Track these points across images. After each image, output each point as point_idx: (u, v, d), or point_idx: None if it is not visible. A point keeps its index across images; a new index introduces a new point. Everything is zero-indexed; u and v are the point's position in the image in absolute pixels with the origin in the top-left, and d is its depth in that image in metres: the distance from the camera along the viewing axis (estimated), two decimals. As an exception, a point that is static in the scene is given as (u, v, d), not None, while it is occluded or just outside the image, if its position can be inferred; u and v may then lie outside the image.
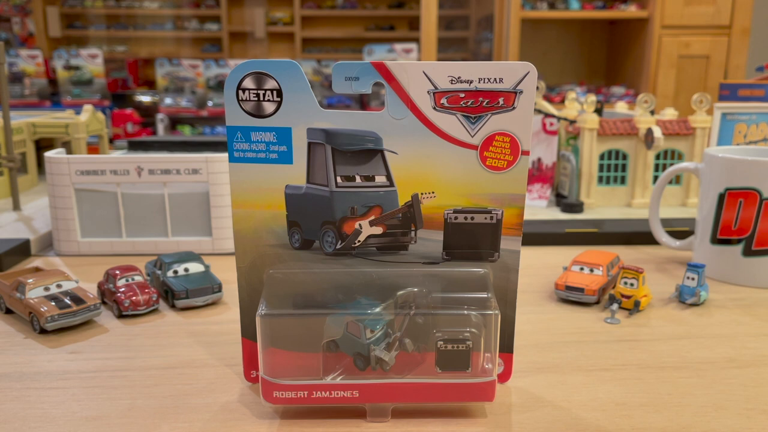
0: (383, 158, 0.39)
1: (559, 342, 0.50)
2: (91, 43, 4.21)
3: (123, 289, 0.56)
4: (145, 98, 2.92)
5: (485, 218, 0.40)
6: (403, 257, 0.41)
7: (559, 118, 0.96)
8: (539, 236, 0.77)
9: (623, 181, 0.95)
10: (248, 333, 0.42)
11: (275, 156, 0.39)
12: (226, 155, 0.69)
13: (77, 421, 0.39)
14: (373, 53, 2.71)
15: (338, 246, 0.41)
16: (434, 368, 0.39)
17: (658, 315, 0.56)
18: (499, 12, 2.93)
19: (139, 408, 0.40)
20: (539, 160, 0.98)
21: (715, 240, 0.64)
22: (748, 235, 0.62)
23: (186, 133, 2.68)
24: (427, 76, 0.38)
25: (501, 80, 0.38)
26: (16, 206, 0.89)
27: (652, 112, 0.96)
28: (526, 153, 0.39)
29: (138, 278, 0.57)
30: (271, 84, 0.38)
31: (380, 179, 0.40)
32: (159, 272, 0.59)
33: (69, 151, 1.03)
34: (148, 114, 2.77)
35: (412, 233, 0.41)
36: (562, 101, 1.18)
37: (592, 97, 0.97)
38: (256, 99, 0.38)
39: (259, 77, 0.38)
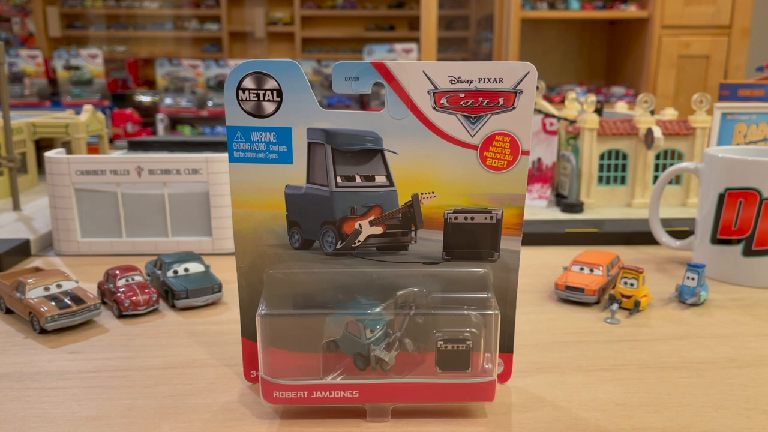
0: (383, 158, 0.39)
1: (559, 342, 0.50)
2: (91, 43, 4.21)
3: (123, 289, 0.56)
4: (145, 98, 2.92)
5: (485, 218, 0.40)
6: (403, 257, 0.41)
7: (559, 118, 0.96)
8: (539, 236, 0.77)
9: (623, 181, 0.95)
10: (248, 333, 0.42)
11: (275, 156, 0.39)
12: (226, 155, 0.69)
13: (77, 421, 0.39)
14: (373, 53, 2.71)
15: (338, 246, 0.41)
16: (434, 368, 0.39)
17: (658, 315, 0.56)
18: (499, 12, 2.93)
19: (139, 408, 0.40)
20: (539, 160, 0.98)
21: (715, 240, 0.64)
22: (748, 235, 0.62)
23: (186, 133, 2.68)
24: (427, 76, 0.38)
25: (501, 80, 0.38)
26: (16, 206, 0.89)
27: (652, 112, 0.96)
28: (526, 153, 0.39)
29: (138, 278, 0.57)
30: (271, 84, 0.38)
31: (380, 179, 0.40)
32: (159, 272, 0.59)
33: (69, 151, 1.03)
34: (148, 114, 2.77)
35: (412, 233, 0.41)
36: (562, 101, 1.18)
37: (592, 97, 0.97)
38: (256, 99, 0.38)
39: (259, 77, 0.38)
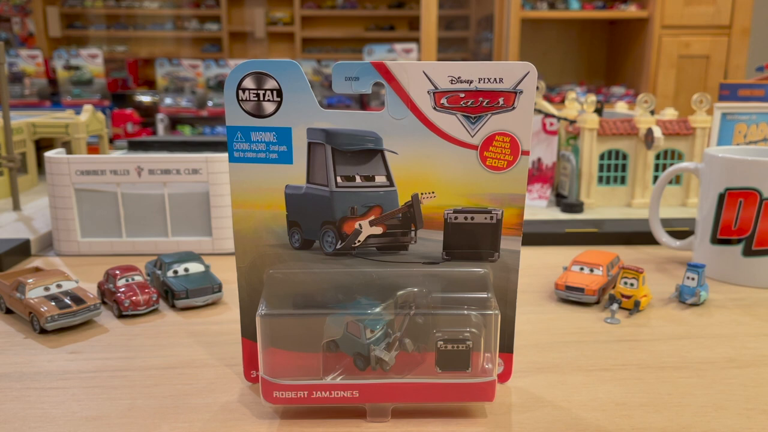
0: (383, 158, 0.39)
1: (559, 342, 0.50)
2: (91, 43, 4.21)
3: (123, 289, 0.56)
4: (145, 98, 2.92)
5: (485, 218, 0.40)
6: (403, 257, 0.41)
7: (559, 118, 0.96)
8: (539, 236, 0.77)
9: (623, 181, 0.95)
10: (248, 333, 0.42)
11: (275, 156, 0.39)
12: (226, 155, 0.69)
13: (77, 421, 0.39)
14: (373, 53, 2.71)
15: (338, 246, 0.41)
16: (434, 368, 0.39)
17: (658, 315, 0.56)
18: (499, 12, 2.93)
19: (139, 408, 0.40)
20: (539, 160, 0.98)
21: (715, 240, 0.64)
22: (748, 235, 0.62)
23: (186, 133, 2.68)
24: (427, 76, 0.38)
25: (501, 80, 0.38)
26: (16, 206, 0.89)
27: (652, 112, 0.96)
28: (526, 153, 0.39)
29: (138, 278, 0.57)
30: (271, 84, 0.38)
31: (380, 179, 0.40)
32: (159, 272, 0.59)
33: (69, 151, 1.03)
34: (148, 114, 2.77)
35: (412, 233, 0.41)
36: (562, 101, 1.18)
37: (592, 97, 0.97)
38: (256, 99, 0.38)
39: (259, 77, 0.38)
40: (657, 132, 0.88)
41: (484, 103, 0.38)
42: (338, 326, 0.39)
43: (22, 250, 0.71)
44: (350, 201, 0.40)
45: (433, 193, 0.40)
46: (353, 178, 0.40)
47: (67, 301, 0.52)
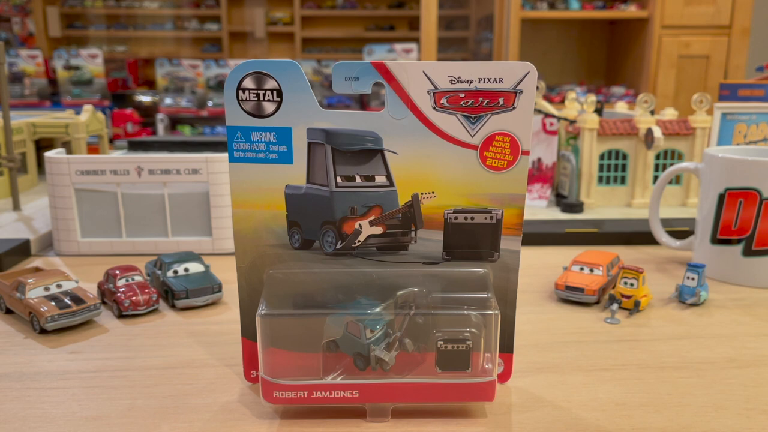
0: (383, 158, 0.39)
1: (559, 342, 0.50)
2: (91, 43, 4.21)
3: (123, 289, 0.56)
4: (145, 98, 2.92)
5: (485, 218, 0.40)
6: (403, 257, 0.41)
7: (559, 118, 0.96)
8: (539, 236, 0.77)
9: (623, 181, 0.95)
10: (248, 333, 0.42)
11: (275, 156, 0.39)
12: (226, 155, 0.69)
13: (77, 421, 0.39)
14: (373, 53, 2.71)
15: (338, 246, 0.41)
16: (434, 368, 0.39)
17: (658, 315, 0.56)
18: (499, 12, 2.93)
19: (139, 408, 0.40)
20: (539, 160, 0.98)
21: (715, 240, 0.64)
22: (748, 235, 0.62)
23: (186, 133, 2.68)
24: (427, 76, 0.38)
25: (501, 80, 0.38)
26: (16, 206, 0.89)
27: (652, 112, 0.96)
28: (526, 153, 0.39)
29: (138, 278, 0.57)
30: (271, 84, 0.38)
31: (380, 179, 0.40)
32: (159, 272, 0.59)
33: (69, 151, 1.03)
34: (148, 114, 2.77)
35: (412, 233, 0.41)
36: (562, 101, 1.18)
37: (592, 97, 0.97)
38: (256, 99, 0.38)
39: (259, 77, 0.38)
40: (657, 132, 0.88)
41: (484, 103, 0.38)
42: (338, 326, 0.39)
43: (22, 250, 0.71)
44: (350, 201, 0.40)
45: (433, 193, 0.40)
46: (353, 178, 0.40)
47: (67, 301, 0.52)
